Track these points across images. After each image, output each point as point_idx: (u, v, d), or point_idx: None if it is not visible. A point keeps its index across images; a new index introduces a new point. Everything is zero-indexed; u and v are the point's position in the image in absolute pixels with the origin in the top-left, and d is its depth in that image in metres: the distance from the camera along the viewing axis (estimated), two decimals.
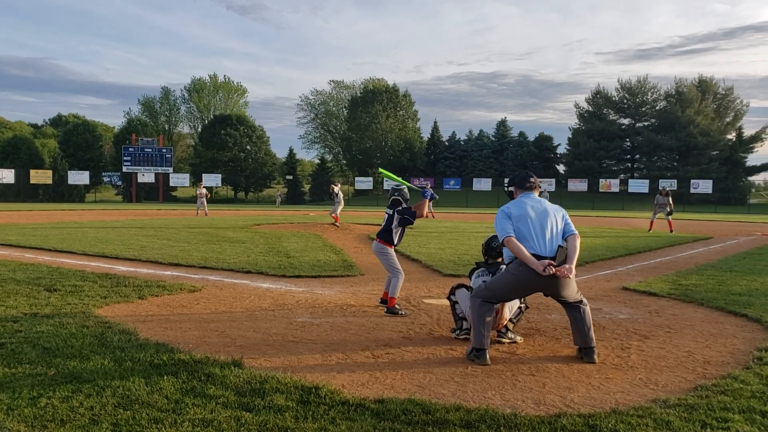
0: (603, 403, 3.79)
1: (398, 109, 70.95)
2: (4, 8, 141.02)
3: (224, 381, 3.95)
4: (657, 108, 64.86)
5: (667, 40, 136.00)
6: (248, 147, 65.94)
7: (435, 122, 74.45)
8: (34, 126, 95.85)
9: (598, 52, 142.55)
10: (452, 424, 3.34)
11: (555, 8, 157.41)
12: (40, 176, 55.75)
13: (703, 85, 62.71)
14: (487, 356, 4.65)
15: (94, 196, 62.18)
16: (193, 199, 32.80)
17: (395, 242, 6.67)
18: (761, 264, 11.15)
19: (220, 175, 60.16)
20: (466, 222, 25.46)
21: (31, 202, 51.02)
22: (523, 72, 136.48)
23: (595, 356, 4.74)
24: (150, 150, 57.62)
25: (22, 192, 55.01)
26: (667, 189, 21.44)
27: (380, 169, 8.51)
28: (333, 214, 20.16)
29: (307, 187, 68.91)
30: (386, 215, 6.78)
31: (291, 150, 69.96)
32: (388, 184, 58.65)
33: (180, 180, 61.16)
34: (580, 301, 4.85)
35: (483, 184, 58.98)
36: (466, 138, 73.12)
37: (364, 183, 62.82)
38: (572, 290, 4.78)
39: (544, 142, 67.50)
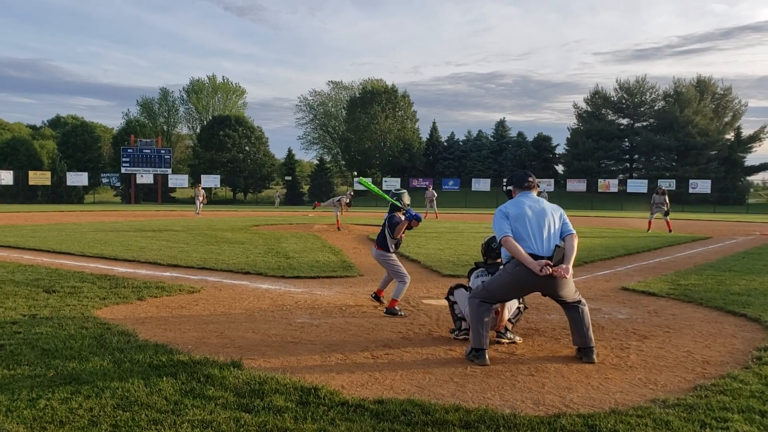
0: (602, 403, 3.80)
1: (397, 109, 70.95)
2: (2, 9, 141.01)
3: (223, 382, 3.95)
4: (655, 108, 64.86)
5: (665, 40, 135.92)
6: (247, 148, 65.91)
7: (434, 123, 74.47)
8: (33, 127, 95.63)
9: (596, 52, 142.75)
10: (452, 425, 3.34)
11: (554, 8, 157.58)
12: (39, 177, 55.67)
13: (702, 85, 62.75)
14: (486, 356, 4.65)
15: (93, 197, 62.10)
16: (191, 200, 32.85)
17: (390, 248, 6.65)
18: (760, 264, 11.16)
19: (218, 176, 60.11)
20: (465, 222, 25.46)
21: (30, 204, 51.03)
22: (521, 72, 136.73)
23: (594, 356, 4.74)
24: (149, 151, 57.56)
25: (20, 193, 54.96)
26: (664, 188, 21.34)
27: (360, 179, 8.46)
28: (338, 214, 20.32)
29: (305, 188, 68.88)
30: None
31: (290, 151, 70.03)
32: (386, 185, 58.68)
33: (179, 181, 61.10)
34: (579, 302, 4.85)
35: (482, 185, 58.95)
36: (464, 138, 73.11)
37: None
38: (570, 290, 4.79)
39: (542, 142, 67.48)
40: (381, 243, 6.68)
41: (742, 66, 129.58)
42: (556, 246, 4.70)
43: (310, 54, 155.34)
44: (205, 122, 71.74)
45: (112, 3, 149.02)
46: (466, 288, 5.50)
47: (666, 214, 19.89)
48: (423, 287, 8.27)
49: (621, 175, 64.26)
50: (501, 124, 72.60)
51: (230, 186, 66.22)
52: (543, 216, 4.80)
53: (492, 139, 71.73)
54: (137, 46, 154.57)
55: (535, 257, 4.64)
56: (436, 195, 30.45)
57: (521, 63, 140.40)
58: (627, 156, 66.19)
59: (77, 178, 56.84)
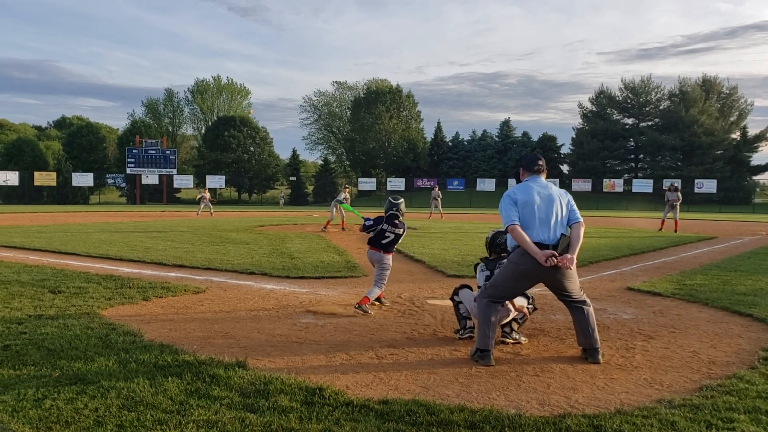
0: (608, 403, 3.78)
1: (401, 109, 70.89)
2: (5, 10, 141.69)
3: (228, 382, 3.95)
4: (661, 108, 64.62)
5: (669, 39, 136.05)
6: (252, 148, 66.01)
7: (438, 123, 74.40)
8: (38, 128, 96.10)
9: (600, 52, 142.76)
10: (457, 425, 3.33)
11: (556, 8, 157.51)
12: (45, 178, 55.90)
13: (707, 85, 62.49)
14: (491, 357, 4.63)
15: (98, 197, 62.34)
16: (196, 201, 32.96)
17: (387, 249, 6.94)
18: (766, 263, 11.10)
19: (223, 177, 60.24)
20: (469, 222, 25.43)
21: (36, 204, 51.23)
22: (525, 72, 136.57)
23: (600, 357, 4.71)
24: (154, 152, 57.72)
25: (26, 194, 55.20)
26: (675, 184, 21.39)
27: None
28: (342, 218, 20.35)
29: (310, 189, 68.91)
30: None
31: (294, 151, 69.87)
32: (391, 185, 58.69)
33: (184, 181, 61.30)
34: (584, 302, 4.79)
35: (487, 185, 58.84)
36: (469, 138, 73.01)
37: (368, 184, 62.87)
38: (574, 284, 4.71)
39: (547, 142, 67.33)
40: (383, 248, 6.95)
41: (747, 65, 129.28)
42: (562, 234, 4.62)
43: (313, 54, 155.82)
44: (209, 123, 71.92)
45: (114, 3, 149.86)
46: (471, 288, 5.49)
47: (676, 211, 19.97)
48: (428, 287, 8.26)
49: (626, 175, 64.07)
50: (506, 124, 72.47)
51: (235, 186, 66.33)
52: (551, 203, 4.69)
53: (497, 139, 71.62)
54: (140, 47, 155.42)
55: (541, 246, 4.56)
56: (440, 195, 30.44)
57: (525, 63, 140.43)
58: (632, 156, 65.98)
59: (83, 179, 57.02)
